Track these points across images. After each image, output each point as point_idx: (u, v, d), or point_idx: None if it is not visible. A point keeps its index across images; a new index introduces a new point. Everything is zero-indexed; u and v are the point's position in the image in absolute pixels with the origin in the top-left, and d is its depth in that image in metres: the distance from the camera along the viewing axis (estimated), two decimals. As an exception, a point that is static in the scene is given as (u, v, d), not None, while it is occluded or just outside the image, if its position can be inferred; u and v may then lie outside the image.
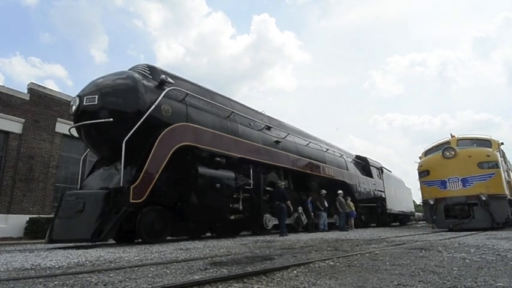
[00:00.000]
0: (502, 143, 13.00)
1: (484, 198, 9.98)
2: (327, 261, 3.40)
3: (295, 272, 2.83)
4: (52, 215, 8.44)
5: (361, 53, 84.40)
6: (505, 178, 11.56)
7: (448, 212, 10.74)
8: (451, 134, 12.96)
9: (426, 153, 13.10)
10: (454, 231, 9.77)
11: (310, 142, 13.40)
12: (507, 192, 11.08)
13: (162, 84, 7.76)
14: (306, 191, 12.39)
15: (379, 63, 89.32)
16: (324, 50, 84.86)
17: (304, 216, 11.45)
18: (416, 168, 12.53)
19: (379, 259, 3.59)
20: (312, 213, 11.90)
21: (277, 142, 11.17)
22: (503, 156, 13.08)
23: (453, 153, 11.10)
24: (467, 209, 10.41)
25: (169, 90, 7.75)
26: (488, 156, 10.94)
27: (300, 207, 11.36)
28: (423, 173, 11.99)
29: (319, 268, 3.04)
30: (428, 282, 2.32)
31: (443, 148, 11.52)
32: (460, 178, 10.77)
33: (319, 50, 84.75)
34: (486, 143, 12.12)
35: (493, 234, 7.70)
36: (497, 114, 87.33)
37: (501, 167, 11.06)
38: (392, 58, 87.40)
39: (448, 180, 10.96)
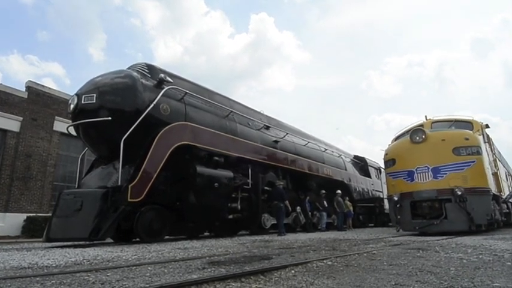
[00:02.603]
0: (487, 126, 10.81)
1: (459, 193, 7.91)
2: (324, 261, 3.41)
3: (293, 271, 2.83)
4: (50, 214, 8.43)
5: (360, 53, 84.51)
6: (490, 168, 9.47)
7: (416, 210, 8.74)
8: (425, 116, 10.72)
9: (396, 139, 10.89)
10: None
11: (308, 142, 13.41)
12: (492, 186, 9.01)
13: (160, 83, 7.75)
14: (304, 190, 12.40)
15: (378, 64, 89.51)
16: (323, 49, 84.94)
17: (303, 216, 11.47)
18: (383, 157, 10.50)
19: (376, 259, 3.60)
20: (310, 213, 11.93)
21: (276, 142, 11.18)
22: (489, 141, 10.88)
23: (423, 136, 8.88)
24: (439, 207, 8.34)
25: (168, 89, 7.74)
26: (466, 139, 8.67)
27: (298, 207, 11.38)
28: (389, 162, 9.90)
29: (317, 268, 3.04)
30: (425, 282, 2.32)
31: (411, 131, 9.35)
32: (430, 167, 8.56)
33: (318, 49, 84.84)
34: (466, 125, 9.89)
35: (490, 235, 7.72)
36: (495, 115, 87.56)
37: (484, 154, 8.94)
38: (390, 58, 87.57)
39: (416, 170, 8.78)
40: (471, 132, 9.23)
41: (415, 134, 9.10)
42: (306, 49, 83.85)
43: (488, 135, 11.08)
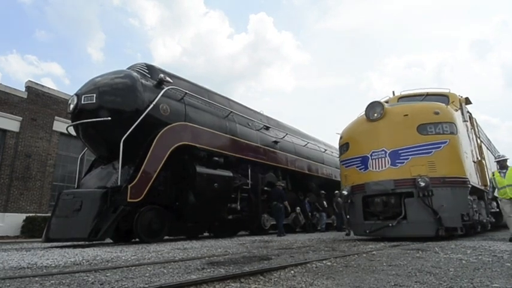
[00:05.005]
0: (468, 100, 8.56)
1: (422, 184, 5.99)
2: (324, 262, 3.41)
3: (292, 272, 2.83)
4: (49, 214, 8.41)
5: (359, 54, 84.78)
6: (470, 154, 7.49)
7: (369, 207, 6.86)
8: (393, 92, 8.91)
9: None
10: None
11: (308, 142, 13.42)
12: (472, 176, 7.00)
13: (160, 83, 7.76)
14: (304, 191, 12.41)
15: (377, 65, 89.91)
16: (322, 50, 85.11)
17: (302, 216, 11.47)
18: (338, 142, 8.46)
19: (376, 259, 3.60)
20: (310, 214, 11.94)
21: (276, 142, 11.18)
22: (471, 121, 8.79)
23: (381, 112, 6.96)
24: (396, 203, 6.44)
25: (168, 89, 7.74)
26: (436, 114, 6.66)
27: (298, 208, 11.39)
28: (342, 147, 7.91)
29: (316, 268, 3.04)
30: (424, 283, 2.32)
31: (367, 106, 7.28)
32: (387, 151, 6.62)
33: (317, 50, 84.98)
34: (441, 98, 7.71)
35: (490, 235, 7.70)
36: (494, 116, 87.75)
37: (461, 134, 6.94)
38: (389, 59, 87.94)
39: (371, 155, 6.83)
40: (443, 105, 7.14)
41: (371, 109, 7.14)
42: (305, 50, 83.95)
43: (471, 115, 8.99)
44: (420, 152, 6.45)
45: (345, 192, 7.21)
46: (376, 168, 6.75)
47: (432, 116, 6.65)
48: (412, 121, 6.69)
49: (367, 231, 6.64)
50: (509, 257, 3.63)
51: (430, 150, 6.41)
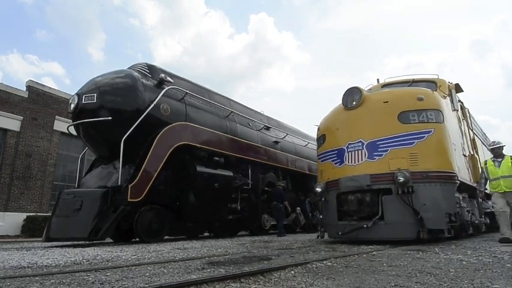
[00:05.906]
0: (459, 87, 7.72)
1: (401, 180, 5.27)
2: (324, 262, 3.41)
3: (292, 272, 2.83)
4: (49, 213, 8.43)
5: (359, 54, 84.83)
6: (461, 147, 6.80)
7: (343, 206, 6.18)
8: (377, 80, 8.42)
9: None
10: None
11: (309, 143, 13.42)
12: (461, 171, 6.25)
13: (161, 83, 7.77)
14: (304, 191, 12.40)
15: (377, 65, 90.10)
16: (322, 50, 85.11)
17: (302, 216, 11.47)
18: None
19: (376, 260, 3.59)
20: (310, 214, 11.94)
21: (276, 142, 11.19)
22: (462, 110, 8.03)
23: (359, 99, 6.26)
24: (371, 201, 5.72)
25: (169, 89, 7.75)
26: (420, 100, 5.91)
27: (298, 208, 11.39)
28: (319, 140, 7.24)
29: (316, 269, 3.04)
30: (425, 284, 2.32)
31: (344, 92, 6.52)
32: (365, 143, 5.92)
33: (318, 50, 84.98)
34: (428, 84, 6.96)
35: (490, 236, 7.67)
36: (495, 116, 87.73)
37: (448, 123, 6.17)
38: (389, 59, 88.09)
39: (347, 148, 6.13)
40: (428, 90, 6.33)
41: (349, 95, 6.41)
42: (305, 50, 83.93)
43: (462, 104, 8.17)
44: (401, 143, 5.70)
45: (318, 190, 6.52)
46: (351, 162, 6.01)
47: (415, 103, 5.91)
48: (393, 108, 5.95)
49: (340, 233, 5.96)
50: (509, 258, 3.63)
51: (412, 141, 5.67)
